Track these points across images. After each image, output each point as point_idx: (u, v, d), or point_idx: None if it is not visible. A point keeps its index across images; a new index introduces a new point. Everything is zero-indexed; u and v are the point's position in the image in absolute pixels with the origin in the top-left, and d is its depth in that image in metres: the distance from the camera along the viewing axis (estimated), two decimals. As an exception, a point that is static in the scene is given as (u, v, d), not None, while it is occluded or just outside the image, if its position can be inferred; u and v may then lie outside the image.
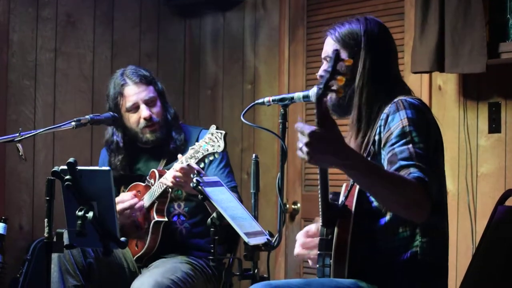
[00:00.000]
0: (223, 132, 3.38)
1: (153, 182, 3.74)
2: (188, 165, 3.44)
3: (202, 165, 3.48)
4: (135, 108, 3.83)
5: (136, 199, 3.74)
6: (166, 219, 3.74)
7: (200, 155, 3.42)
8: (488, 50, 3.70)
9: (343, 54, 2.70)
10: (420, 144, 2.48)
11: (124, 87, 3.84)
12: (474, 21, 3.72)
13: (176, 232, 3.83)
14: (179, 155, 3.53)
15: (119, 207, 3.67)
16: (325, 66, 2.76)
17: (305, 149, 2.26)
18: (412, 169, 2.41)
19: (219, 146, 3.37)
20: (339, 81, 2.31)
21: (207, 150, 3.40)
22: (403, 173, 2.41)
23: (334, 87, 2.30)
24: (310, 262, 2.74)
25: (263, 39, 5.05)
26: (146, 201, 3.75)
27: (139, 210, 3.74)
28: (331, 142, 2.27)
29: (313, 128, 2.25)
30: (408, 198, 2.36)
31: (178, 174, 3.47)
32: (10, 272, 4.45)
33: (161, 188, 3.66)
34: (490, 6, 3.84)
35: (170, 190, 3.70)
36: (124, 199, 3.73)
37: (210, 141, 3.40)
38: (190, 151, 3.46)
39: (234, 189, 3.76)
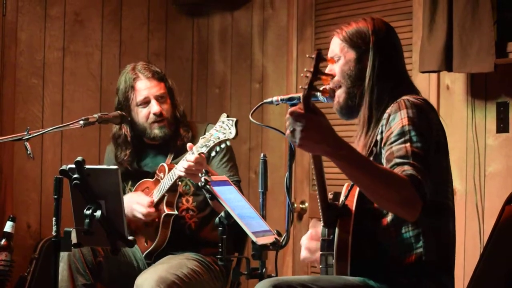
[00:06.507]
0: (234, 119, 3.33)
1: (162, 176, 3.73)
2: (200, 154, 3.41)
3: (213, 153, 3.44)
4: (145, 102, 3.83)
5: (153, 210, 3.72)
6: (176, 212, 3.73)
7: (211, 143, 3.37)
8: (496, 50, 3.69)
9: (351, 54, 2.72)
10: (417, 144, 2.48)
11: (136, 81, 3.84)
12: (482, 20, 3.71)
13: (185, 227, 3.83)
14: (189, 144, 3.49)
15: (138, 212, 3.70)
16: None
17: (298, 134, 2.24)
18: (406, 167, 2.41)
19: (230, 133, 3.32)
20: (324, 81, 2.32)
21: (218, 138, 3.35)
22: (397, 170, 2.41)
23: (319, 87, 2.30)
24: (316, 265, 2.74)
25: (271, 38, 5.05)
26: (156, 195, 3.74)
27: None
28: (326, 130, 2.26)
29: (310, 114, 2.23)
30: (398, 194, 2.34)
31: (190, 163, 3.44)
32: (18, 271, 4.45)
33: (171, 180, 3.63)
34: (498, 5, 3.82)
35: (179, 183, 3.70)
36: (142, 203, 3.72)
37: (221, 129, 3.34)
38: (201, 141, 3.41)
39: (236, 183, 3.73)
